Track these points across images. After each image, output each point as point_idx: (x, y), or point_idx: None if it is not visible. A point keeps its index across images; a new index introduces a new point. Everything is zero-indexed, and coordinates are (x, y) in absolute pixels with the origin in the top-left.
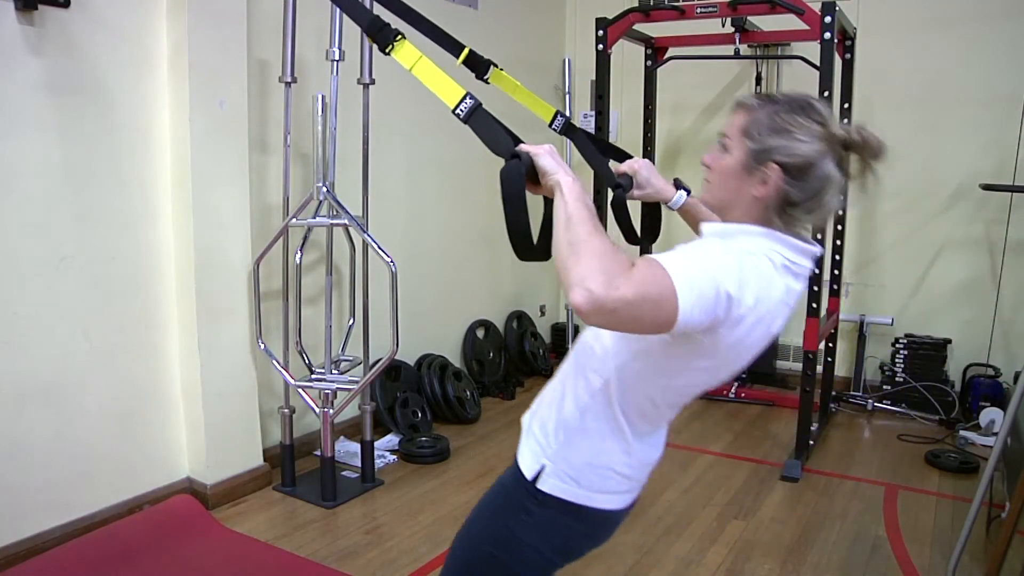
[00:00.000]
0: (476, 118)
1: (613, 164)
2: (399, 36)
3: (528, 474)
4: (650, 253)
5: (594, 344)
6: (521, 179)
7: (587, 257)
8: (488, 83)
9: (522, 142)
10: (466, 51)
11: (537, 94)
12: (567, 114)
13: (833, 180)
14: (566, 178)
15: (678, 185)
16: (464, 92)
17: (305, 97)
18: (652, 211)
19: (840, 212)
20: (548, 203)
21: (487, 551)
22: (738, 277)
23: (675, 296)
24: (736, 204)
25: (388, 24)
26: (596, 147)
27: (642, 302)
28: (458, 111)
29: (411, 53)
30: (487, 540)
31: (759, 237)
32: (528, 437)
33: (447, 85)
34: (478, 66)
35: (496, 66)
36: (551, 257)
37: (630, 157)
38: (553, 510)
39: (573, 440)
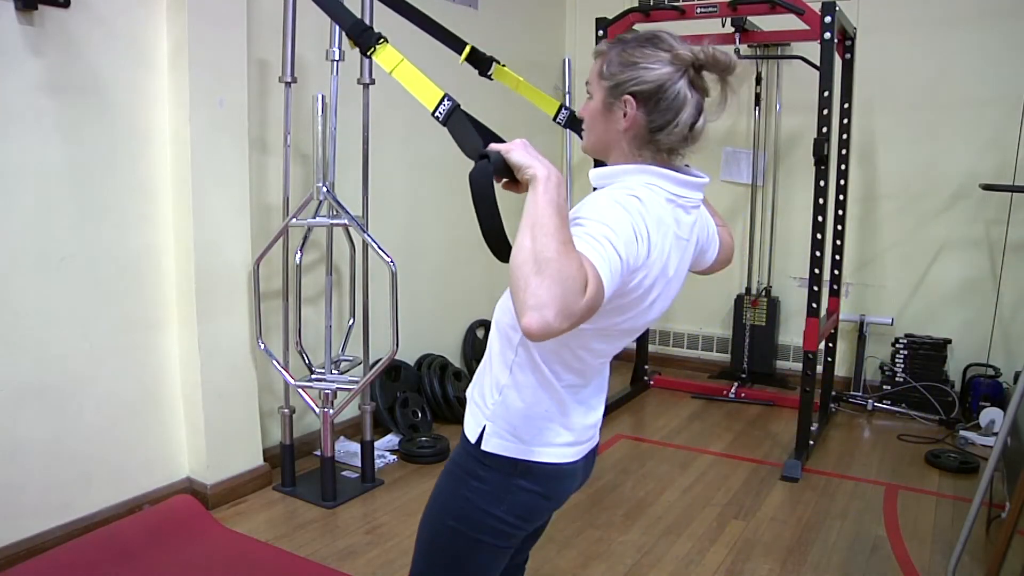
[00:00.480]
0: (454, 120)
1: None
2: (381, 39)
3: (472, 438)
4: None
5: (507, 302)
6: (489, 179)
7: (550, 281)
8: (491, 79)
9: (502, 140)
10: (468, 48)
11: (536, 88)
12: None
13: (687, 99)
14: (541, 170)
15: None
16: (442, 94)
17: (305, 97)
18: None
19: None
20: None
21: (449, 526)
22: (633, 233)
23: (604, 289)
24: (610, 145)
25: (371, 27)
26: None
27: (587, 315)
28: (437, 113)
29: (392, 56)
30: (447, 515)
31: (638, 174)
32: (470, 405)
33: (426, 87)
34: (481, 63)
35: (498, 62)
36: None
37: None
38: (501, 472)
39: (507, 396)
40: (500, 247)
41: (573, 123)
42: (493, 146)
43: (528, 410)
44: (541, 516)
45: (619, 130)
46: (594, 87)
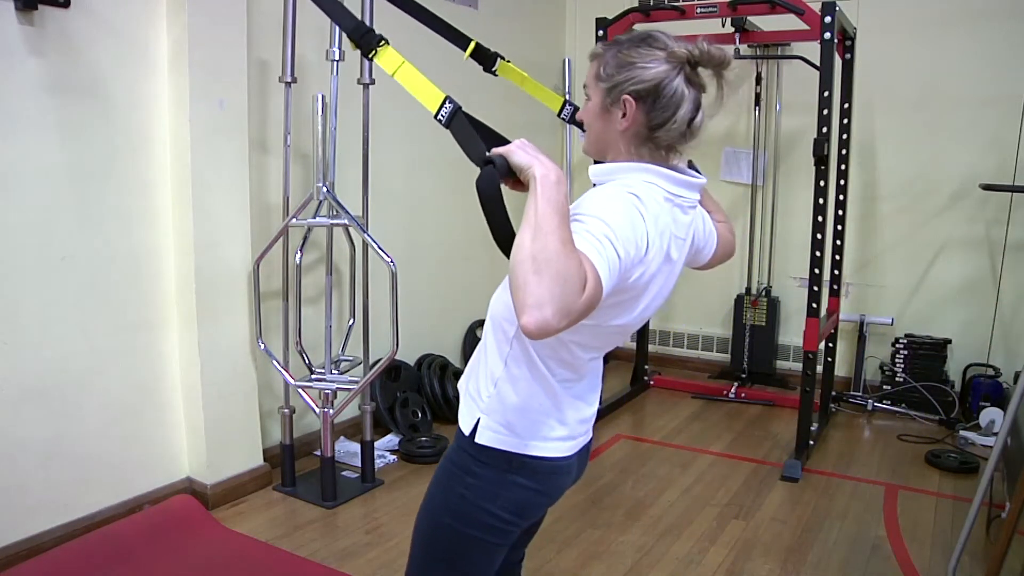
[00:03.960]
0: (456, 123)
1: None
2: (382, 41)
3: (466, 430)
4: None
5: (503, 294)
6: (496, 185)
7: (549, 280)
8: (496, 75)
9: (506, 141)
10: (473, 44)
11: (541, 84)
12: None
13: (685, 95)
14: (540, 169)
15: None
16: (444, 97)
17: (305, 97)
18: None
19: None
20: None
21: (445, 523)
22: (631, 231)
23: (602, 287)
24: (610, 145)
25: (372, 29)
26: None
27: (586, 312)
28: (439, 116)
29: (394, 58)
30: (443, 512)
31: (637, 172)
32: (464, 398)
33: (428, 90)
34: (485, 59)
35: (503, 58)
36: None
37: None
38: (495, 466)
39: (501, 389)
40: (511, 249)
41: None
42: (496, 150)
43: (523, 403)
44: (536, 512)
45: (618, 130)
46: (592, 89)
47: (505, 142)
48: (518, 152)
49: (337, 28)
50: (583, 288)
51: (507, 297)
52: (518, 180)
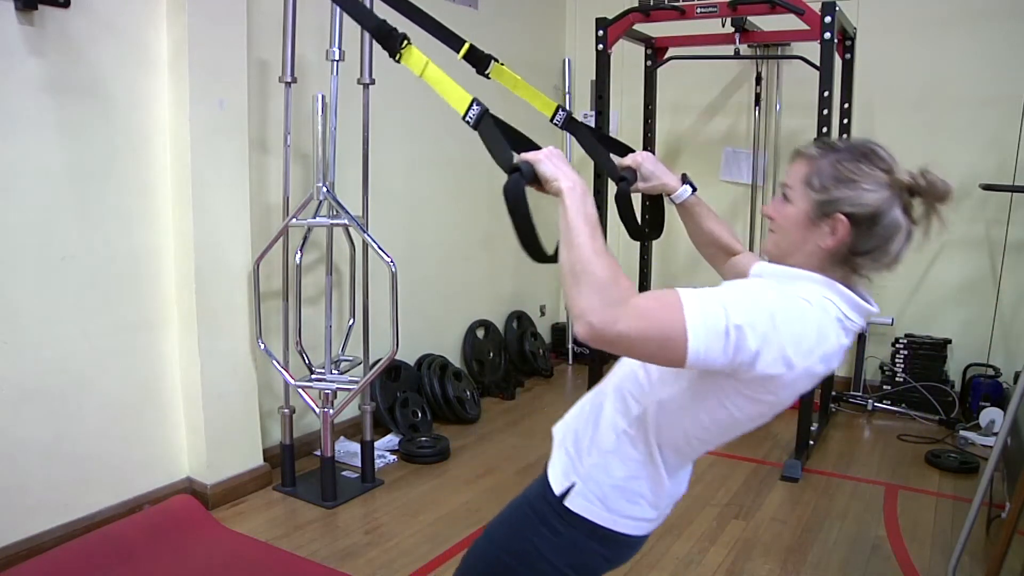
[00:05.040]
0: (483, 125)
1: (615, 158)
2: (406, 42)
3: (557, 489)
4: (647, 256)
5: (638, 370)
6: (522, 193)
7: (587, 288)
8: (489, 78)
9: (531, 143)
10: (467, 46)
11: (535, 89)
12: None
13: (900, 227)
14: (566, 183)
15: (685, 180)
16: (471, 99)
17: (305, 97)
18: (655, 205)
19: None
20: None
21: (504, 561)
22: (781, 327)
23: (685, 336)
24: (800, 255)
25: (395, 29)
26: (598, 141)
27: (644, 339)
28: (467, 118)
29: (419, 59)
30: (506, 549)
31: (819, 285)
32: (560, 451)
33: (455, 91)
34: (479, 61)
35: (497, 61)
36: None
37: (632, 151)
38: (577, 529)
39: (606, 462)
40: (536, 254)
41: (571, 125)
42: (523, 156)
43: (624, 483)
44: (594, 575)
45: (820, 246)
46: (797, 194)
47: (534, 146)
48: (545, 162)
49: (337, 28)
50: (626, 298)
51: (640, 372)
52: (541, 184)
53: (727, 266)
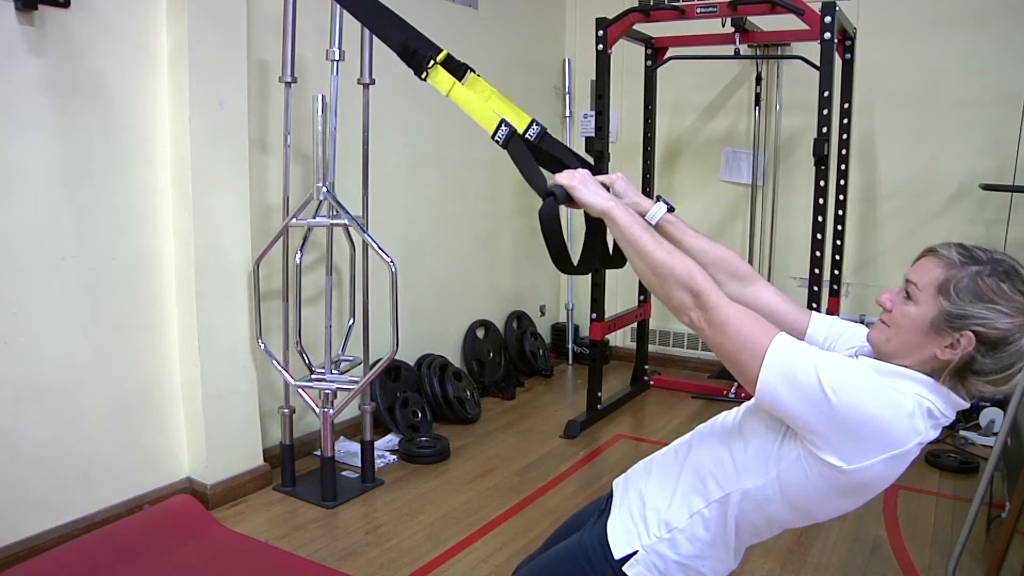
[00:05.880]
0: (513, 145)
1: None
2: (432, 62)
3: (617, 554)
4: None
5: (723, 455)
6: (557, 217)
7: (673, 283)
8: (464, 86)
9: (575, 156)
10: (444, 53)
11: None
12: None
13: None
14: (607, 205)
15: (657, 199)
16: (499, 120)
17: (305, 97)
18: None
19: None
20: (589, 219)
21: None
22: (867, 400)
23: (761, 355)
24: (913, 357)
25: (419, 48)
26: (564, 156)
27: (729, 331)
28: (496, 138)
29: (446, 79)
30: None
31: (923, 387)
32: (623, 511)
33: (483, 111)
34: (456, 69)
35: (472, 70)
36: (590, 271)
37: (588, 165)
38: None
39: (675, 540)
40: (567, 269)
41: (544, 141)
42: (557, 179)
43: (688, 561)
44: None
45: (937, 355)
46: (925, 296)
47: (578, 160)
48: (580, 188)
49: (337, 28)
50: (713, 287)
51: (727, 458)
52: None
53: (735, 293)
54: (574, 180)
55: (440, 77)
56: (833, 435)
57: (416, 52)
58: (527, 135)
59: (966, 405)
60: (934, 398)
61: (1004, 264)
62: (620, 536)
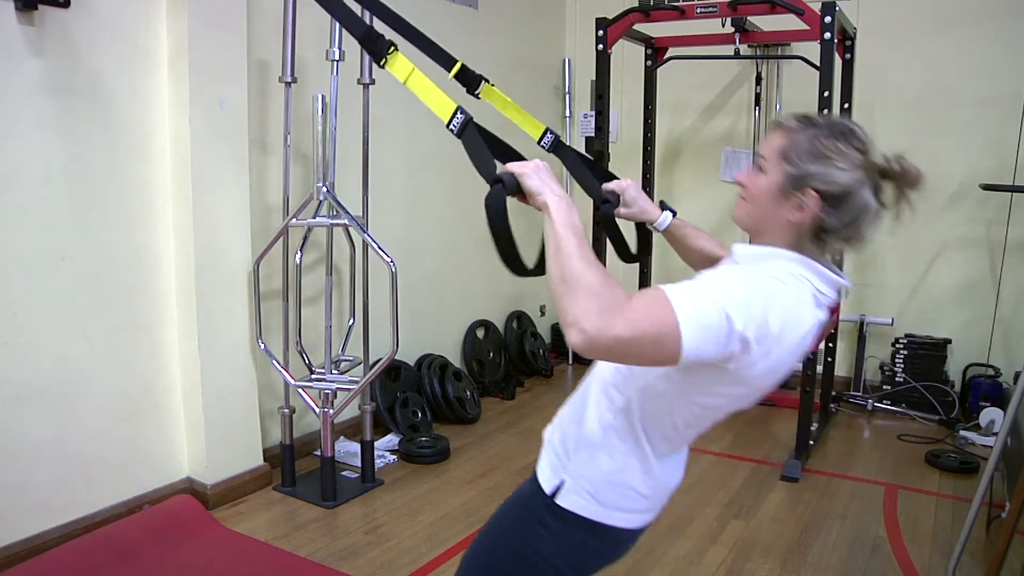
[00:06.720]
0: (468, 134)
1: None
2: (392, 48)
3: (547, 488)
4: (646, 269)
5: (619, 363)
6: (503, 205)
7: (581, 295)
8: (479, 98)
9: (516, 154)
10: (458, 65)
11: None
12: (557, 133)
13: (870, 209)
14: (552, 198)
15: (663, 207)
16: (455, 107)
17: (305, 97)
18: (642, 229)
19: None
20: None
21: (502, 562)
22: (762, 310)
23: (678, 332)
24: (770, 227)
25: (382, 36)
26: (584, 165)
27: (640, 340)
28: (451, 126)
29: (404, 66)
30: (503, 552)
31: (793, 263)
32: (548, 451)
33: (439, 99)
34: (470, 81)
35: (487, 81)
36: (542, 274)
37: (616, 178)
38: (570, 525)
39: (594, 457)
40: (515, 267)
41: (558, 149)
42: (508, 167)
43: (614, 476)
44: (593, 571)
45: (790, 219)
46: (771, 165)
47: (520, 157)
48: (531, 176)
49: (337, 28)
50: (620, 305)
51: (622, 365)
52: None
53: None
54: (526, 168)
55: (398, 64)
56: (741, 351)
57: (376, 40)
58: (542, 143)
59: (845, 282)
60: (811, 275)
61: (840, 125)
62: (548, 472)
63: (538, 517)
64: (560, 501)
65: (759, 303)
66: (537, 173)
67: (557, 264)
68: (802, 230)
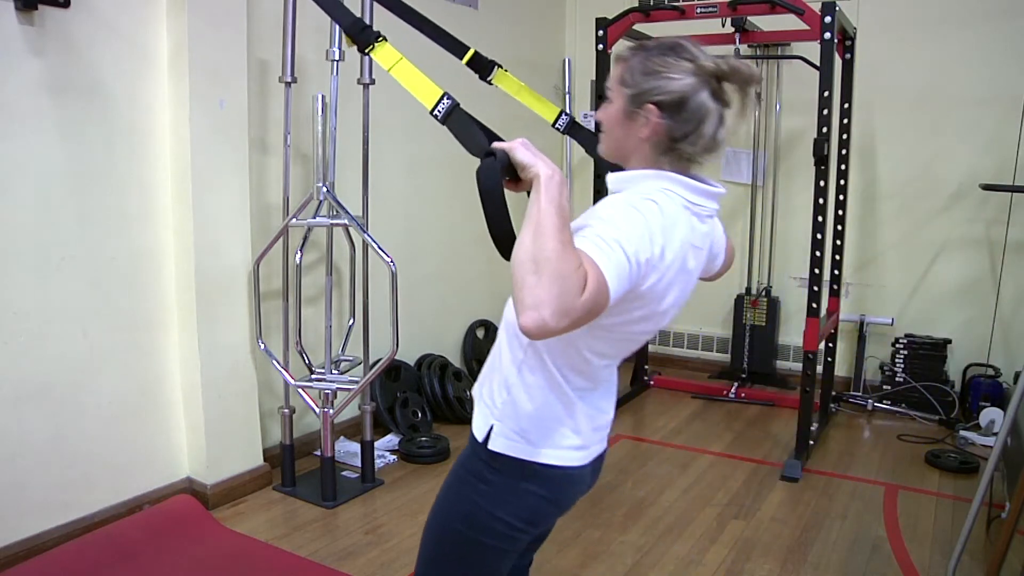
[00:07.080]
0: (454, 119)
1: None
2: (380, 38)
3: (479, 436)
4: None
5: None
6: (497, 176)
7: (548, 280)
8: (492, 84)
9: (500, 139)
10: (471, 52)
11: (537, 94)
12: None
13: (710, 110)
14: (545, 170)
15: None
16: (441, 92)
17: (305, 97)
18: None
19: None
20: None
21: (455, 529)
22: (648, 236)
23: (608, 292)
24: (629, 152)
25: (369, 26)
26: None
27: (586, 317)
28: (436, 112)
29: (391, 54)
30: (453, 518)
31: (656, 180)
32: (479, 404)
33: (425, 86)
34: (483, 67)
35: (500, 67)
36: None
37: None
38: (509, 474)
39: (515, 396)
40: (507, 244)
41: (573, 129)
42: (497, 144)
43: (537, 411)
44: (547, 521)
45: (640, 137)
46: (615, 92)
47: (498, 140)
48: (521, 149)
49: (338, 28)
50: (582, 290)
51: None
52: (517, 179)
53: None
54: (514, 143)
55: (384, 53)
56: (638, 274)
57: (364, 30)
58: (557, 125)
59: (719, 190)
60: (677, 188)
61: (669, 41)
62: (479, 422)
63: (477, 474)
64: (492, 446)
65: (642, 226)
66: (527, 146)
67: (533, 241)
68: (655, 145)
